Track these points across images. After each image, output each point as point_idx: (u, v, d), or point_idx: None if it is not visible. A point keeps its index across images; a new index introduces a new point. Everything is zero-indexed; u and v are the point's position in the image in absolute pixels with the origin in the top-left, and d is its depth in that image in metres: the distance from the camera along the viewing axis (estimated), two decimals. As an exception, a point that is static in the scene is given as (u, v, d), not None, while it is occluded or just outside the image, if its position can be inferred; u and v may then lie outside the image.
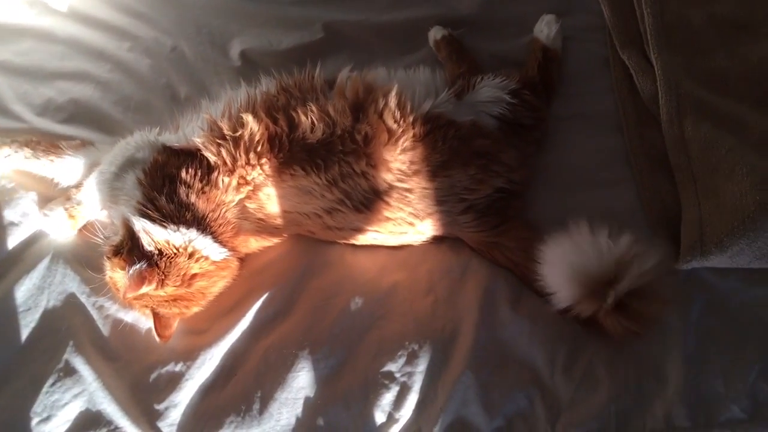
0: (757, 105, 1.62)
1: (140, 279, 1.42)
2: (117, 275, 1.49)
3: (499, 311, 1.50)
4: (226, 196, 1.52)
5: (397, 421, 1.43)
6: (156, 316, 1.50)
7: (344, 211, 1.53)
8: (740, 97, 1.64)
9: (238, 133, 1.52)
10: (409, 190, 1.50)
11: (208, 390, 1.49)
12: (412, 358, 1.47)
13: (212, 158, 1.52)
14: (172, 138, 1.61)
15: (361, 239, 1.60)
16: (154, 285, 1.45)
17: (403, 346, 1.48)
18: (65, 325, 1.56)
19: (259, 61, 1.93)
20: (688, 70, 1.67)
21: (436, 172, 1.50)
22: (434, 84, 1.62)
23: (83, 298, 1.59)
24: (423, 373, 1.45)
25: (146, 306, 1.52)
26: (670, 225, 1.55)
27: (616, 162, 1.69)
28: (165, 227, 1.47)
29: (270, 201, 1.54)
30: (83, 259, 1.64)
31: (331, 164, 1.48)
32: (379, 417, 1.43)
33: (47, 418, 1.46)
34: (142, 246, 1.48)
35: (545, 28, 1.79)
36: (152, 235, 1.47)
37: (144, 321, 1.57)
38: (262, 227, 1.60)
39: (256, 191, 1.53)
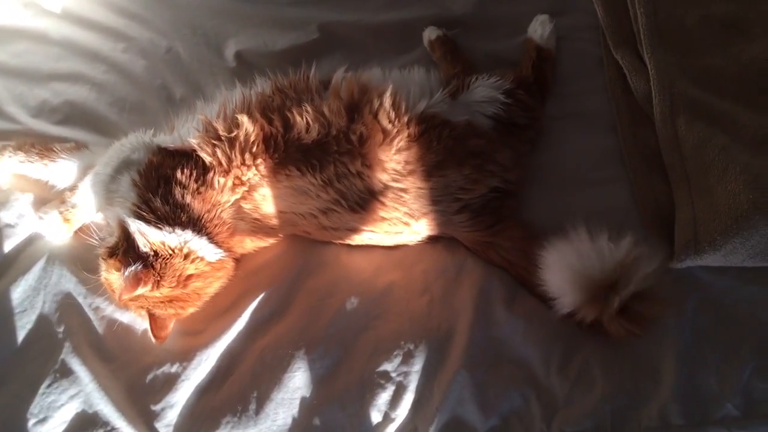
0: (750, 104, 1.63)
1: (136, 280, 1.42)
2: (112, 276, 1.49)
3: (494, 311, 1.50)
4: (221, 196, 1.52)
5: (393, 420, 1.43)
6: (152, 317, 1.51)
7: (340, 212, 1.53)
8: (733, 96, 1.65)
9: (233, 134, 1.52)
10: (404, 190, 1.51)
11: (205, 390, 1.50)
12: (407, 358, 1.47)
13: (207, 159, 1.52)
14: (167, 139, 1.61)
15: (357, 239, 1.61)
16: (149, 286, 1.45)
17: (398, 345, 1.49)
18: (61, 326, 1.56)
19: (254, 62, 1.93)
20: (682, 70, 1.67)
21: (431, 172, 1.50)
22: (429, 84, 1.62)
23: (79, 300, 1.59)
24: (419, 372, 1.46)
25: (142, 307, 1.52)
26: (664, 224, 1.55)
27: (610, 161, 1.69)
28: (160, 228, 1.48)
29: (265, 201, 1.54)
30: (79, 260, 1.64)
31: (326, 164, 1.48)
32: (375, 416, 1.44)
33: (44, 420, 1.46)
34: (138, 247, 1.48)
35: (539, 28, 1.80)
36: (147, 236, 1.48)
37: (140, 322, 1.58)
38: (258, 227, 1.60)
39: (252, 192, 1.53)
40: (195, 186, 1.51)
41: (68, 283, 1.61)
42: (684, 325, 1.47)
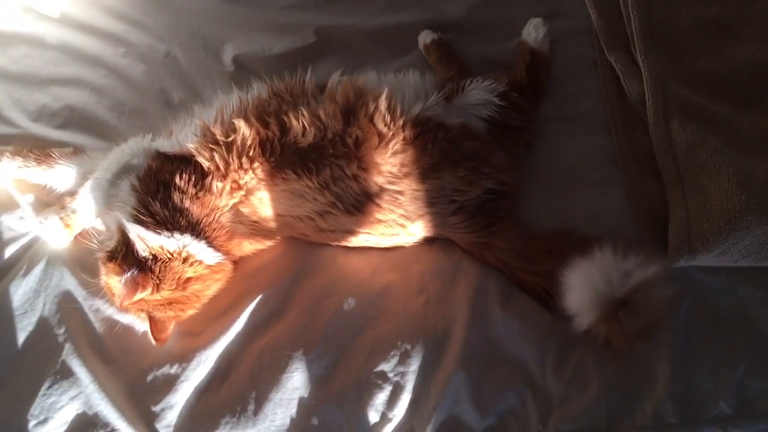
0: (742, 106, 1.64)
1: (134, 285, 1.43)
2: (112, 280, 1.50)
3: (490, 311, 1.51)
4: (220, 200, 1.53)
5: (390, 420, 1.44)
6: (152, 320, 1.51)
7: (336, 214, 1.54)
8: (726, 98, 1.66)
9: (230, 138, 1.52)
10: (400, 193, 1.51)
11: (204, 391, 1.50)
12: (404, 358, 1.48)
13: (205, 163, 1.53)
14: (166, 144, 1.62)
15: (354, 241, 1.61)
16: (149, 290, 1.46)
17: (395, 346, 1.49)
18: (62, 328, 1.56)
19: (251, 66, 1.94)
20: (675, 72, 1.68)
21: (427, 175, 1.51)
22: (424, 87, 1.63)
23: (79, 301, 1.60)
24: (415, 372, 1.46)
25: (142, 310, 1.53)
26: (658, 225, 1.56)
27: (604, 163, 1.70)
28: (159, 233, 1.48)
29: (263, 205, 1.55)
30: (79, 262, 1.65)
31: (322, 168, 1.49)
32: (373, 416, 1.45)
33: (44, 421, 1.46)
34: (137, 251, 1.49)
35: (533, 32, 1.80)
36: (147, 240, 1.48)
37: (140, 323, 1.58)
38: (256, 231, 1.61)
39: (249, 195, 1.54)
40: (194, 191, 1.51)
41: (68, 285, 1.61)
42: (677, 324, 1.47)
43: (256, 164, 1.51)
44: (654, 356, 1.45)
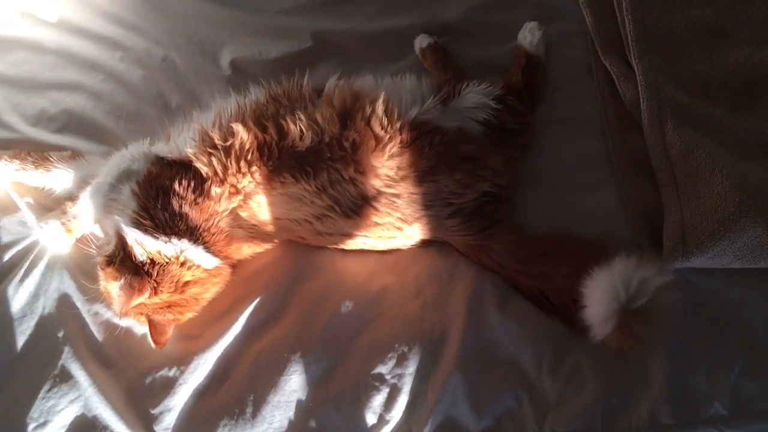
0: (736, 108, 1.65)
1: (131, 290, 1.43)
2: (111, 285, 1.50)
3: (486, 313, 1.52)
4: (218, 206, 1.53)
5: (387, 422, 1.45)
6: (151, 323, 1.52)
7: (334, 217, 1.54)
8: (720, 100, 1.67)
9: (228, 143, 1.53)
10: (396, 196, 1.52)
11: (202, 394, 1.51)
12: (401, 360, 1.48)
13: (204, 169, 1.53)
14: (165, 149, 1.62)
15: (351, 244, 1.61)
16: (146, 294, 1.47)
17: (392, 348, 1.50)
18: (61, 331, 1.57)
19: (248, 70, 1.94)
20: (669, 75, 1.69)
21: (423, 178, 1.51)
22: (420, 91, 1.63)
23: (78, 305, 1.60)
24: (413, 374, 1.47)
25: (141, 313, 1.53)
26: (653, 227, 1.57)
27: (599, 165, 1.70)
28: (157, 238, 1.49)
29: (261, 208, 1.55)
30: (78, 266, 1.65)
31: (320, 171, 1.50)
32: (370, 418, 1.45)
33: (44, 424, 1.47)
34: (135, 256, 1.49)
35: (528, 35, 1.80)
36: (144, 245, 1.49)
37: (138, 327, 1.59)
38: (255, 234, 1.61)
39: (248, 199, 1.54)
40: (192, 197, 1.52)
41: (68, 288, 1.62)
42: (673, 325, 1.46)
43: (254, 168, 1.51)
44: (649, 357, 1.45)
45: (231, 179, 1.52)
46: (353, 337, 1.54)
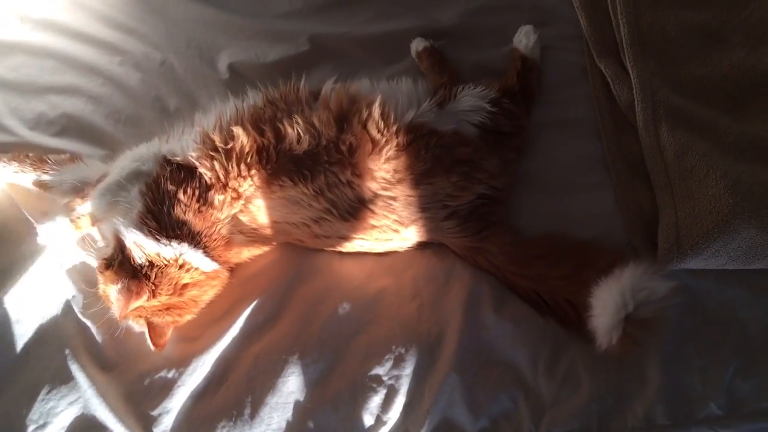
0: (730, 111, 1.66)
1: (128, 294, 1.44)
2: (110, 289, 1.50)
3: (482, 314, 1.52)
4: (221, 213, 1.54)
5: (385, 423, 1.45)
6: (150, 326, 1.52)
7: (331, 220, 1.55)
8: (713, 103, 1.68)
9: (229, 146, 1.53)
10: (393, 198, 1.52)
11: (200, 396, 1.51)
12: (399, 362, 1.49)
13: (207, 174, 1.53)
14: (174, 149, 1.61)
15: (348, 247, 1.62)
16: (144, 297, 1.47)
17: (390, 349, 1.50)
18: (60, 334, 1.58)
19: (246, 74, 1.95)
20: (663, 78, 1.70)
21: (420, 180, 1.52)
22: (416, 94, 1.63)
23: (77, 307, 1.61)
24: (410, 376, 1.47)
25: (140, 316, 1.54)
26: (648, 228, 1.58)
27: (594, 167, 1.71)
28: (158, 240, 1.49)
29: (260, 212, 1.56)
30: (77, 269, 1.66)
31: (317, 174, 1.50)
32: (368, 419, 1.46)
33: (43, 425, 1.47)
34: (133, 259, 1.50)
35: (524, 39, 1.81)
36: (144, 248, 1.50)
37: (137, 329, 1.59)
38: (254, 238, 1.62)
39: (248, 203, 1.55)
40: (197, 206, 1.52)
41: (67, 291, 1.63)
42: (668, 326, 1.47)
43: (253, 171, 1.52)
44: (644, 358, 1.45)
45: (233, 183, 1.53)
46: (351, 338, 1.54)
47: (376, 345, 1.52)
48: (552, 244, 1.57)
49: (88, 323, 1.60)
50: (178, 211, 1.51)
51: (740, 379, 1.45)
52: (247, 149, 1.52)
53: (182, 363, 1.55)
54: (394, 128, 1.52)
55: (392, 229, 1.57)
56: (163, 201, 1.52)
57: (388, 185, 1.52)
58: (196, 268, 1.54)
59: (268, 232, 1.60)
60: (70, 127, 1.88)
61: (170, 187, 1.53)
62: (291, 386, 1.50)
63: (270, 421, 1.47)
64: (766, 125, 1.61)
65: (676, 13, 1.79)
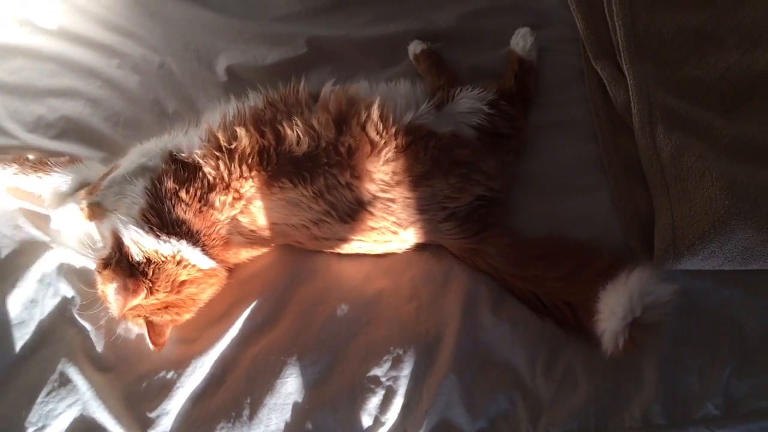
0: (726, 112, 1.67)
1: (126, 292, 1.44)
2: (108, 288, 1.50)
3: (480, 316, 1.52)
4: (221, 215, 1.55)
5: (383, 424, 1.45)
6: (149, 325, 1.53)
7: (330, 222, 1.55)
8: (710, 104, 1.68)
9: (233, 146, 1.54)
10: (392, 200, 1.53)
11: (199, 397, 1.51)
12: (397, 363, 1.49)
13: (211, 174, 1.54)
14: (180, 145, 1.61)
15: (347, 248, 1.62)
16: (142, 295, 1.47)
17: (388, 351, 1.50)
18: (59, 336, 1.58)
19: (244, 77, 1.95)
20: (659, 80, 1.70)
21: (418, 182, 1.52)
22: (415, 96, 1.64)
23: (76, 310, 1.61)
24: (408, 377, 1.48)
25: (139, 315, 1.54)
26: (644, 229, 1.58)
27: (591, 169, 1.72)
28: (158, 237, 1.50)
29: (260, 214, 1.56)
30: (76, 270, 1.66)
31: (316, 176, 1.50)
32: (366, 420, 1.46)
33: (42, 428, 1.47)
34: (131, 256, 1.50)
35: (521, 41, 1.81)
36: (141, 245, 1.50)
37: (135, 330, 1.60)
38: (253, 239, 1.62)
39: (249, 204, 1.55)
40: (198, 206, 1.53)
41: (66, 293, 1.63)
42: (664, 327, 1.45)
43: (254, 173, 1.52)
44: (641, 358, 1.46)
45: (235, 184, 1.53)
46: (349, 339, 1.54)
47: (375, 346, 1.52)
48: (549, 246, 1.58)
49: (87, 325, 1.60)
50: (178, 209, 1.52)
51: (737, 379, 1.45)
52: (248, 150, 1.53)
53: (181, 364, 1.54)
54: (393, 130, 1.52)
55: (391, 231, 1.57)
56: (165, 198, 1.52)
57: (386, 187, 1.52)
58: (194, 265, 1.55)
59: (267, 233, 1.61)
60: (69, 129, 1.89)
61: (173, 185, 1.53)
62: (289, 387, 1.50)
63: (268, 422, 1.47)
64: (762, 126, 1.62)
65: (672, 15, 1.80)
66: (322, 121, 1.53)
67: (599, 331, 1.37)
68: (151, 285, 1.50)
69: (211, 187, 1.54)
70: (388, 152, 1.51)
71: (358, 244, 1.61)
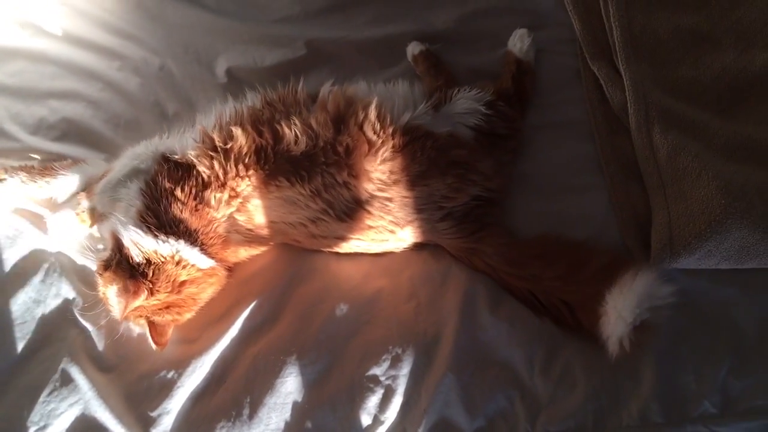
0: (722, 112, 1.67)
1: (127, 294, 1.45)
2: (109, 290, 1.50)
3: (478, 315, 1.53)
4: (217, 212, 1.55)
5: (382, 423, 1.46)
6: (151, 325, 1.53)
7: (328, 221, 1.56)
8: (706, 104, 1.69)
9: (228, 145, 1.54)
10: (389, 199, 1.54)
11: (199, 397, 1.51)
12: (396, 362, 1.49)
13: (206, 173, 1.55)
14: (173, 147, 1.62)
15: (345, 247, 1.63)
16: (143, 296, 1.48)
17: (387, 350, 1.51)
18: (61, 336, 1.58)
19: (244, 78, 1.96)
20: (656, 80, 1.70)
21: (415, 182, 1.53)
22: (412, 97, 1.65)
23: (77, 310, 1.61)
24: (407, 376, 1.48)
25: (141, 316, 1.54)
26: (641, 229, 1.59)
27: (588, 169, 1.72)
28: (156, 237, 1.50)
29: (257, 212, 1.57)
30: (77, 272, 1.67)
31: (314, 175, 1.51)
32: (365, 419, 1.46)
33: (44, 427, 1.48)
34: (131, 257, 1.51)
35: (518, 42, 1.82)
36: (141, 246, 1.50)
37: (137, 330, 1.60)
38: (251, 238, 1.63)
39: (245, 203, 1.56)
40: (193, 204, 1.54)
41: (67, 294, 1.63)
42: (661, 326, 1.46)
43: (251, 172, 1.53)
44: (639, 357, 1.45)
45: (231, 183, 1.54)
46: (348, 339, 1.55)
47: (374, 345, 1.53)
48: (546, 245, 1.58)
49: (88, 325, 1.60)
50: (174, 208, 1.53)
51: (734, 378, 1.46)
52: (245, 149, 1.53)
53: (181, 364, 1.55)
54: (390, 130, 1.53)
55: (388, 230, 1.58)
56: (161, 198, 1.53)
57: (384, 186, 1.53)
58: (193, 265, 1.55)
59: (265, 232, 1.61)
60: (70, 131, 1.89)
61: (167, 185, 1.54)
62: (289, 387, 1.50)
63: (268, 421, 1.48)
64: (758, 126, 1.63)
65: (668, 16, 1.80)
66: (320, 120, 1.54)
67: (605, 335, 1.38)
68: (151, 286, 1.50)
69: (206, 185, 1.55)
70: (385, 152, 1.52)
71: (356, 243, 1.62)
